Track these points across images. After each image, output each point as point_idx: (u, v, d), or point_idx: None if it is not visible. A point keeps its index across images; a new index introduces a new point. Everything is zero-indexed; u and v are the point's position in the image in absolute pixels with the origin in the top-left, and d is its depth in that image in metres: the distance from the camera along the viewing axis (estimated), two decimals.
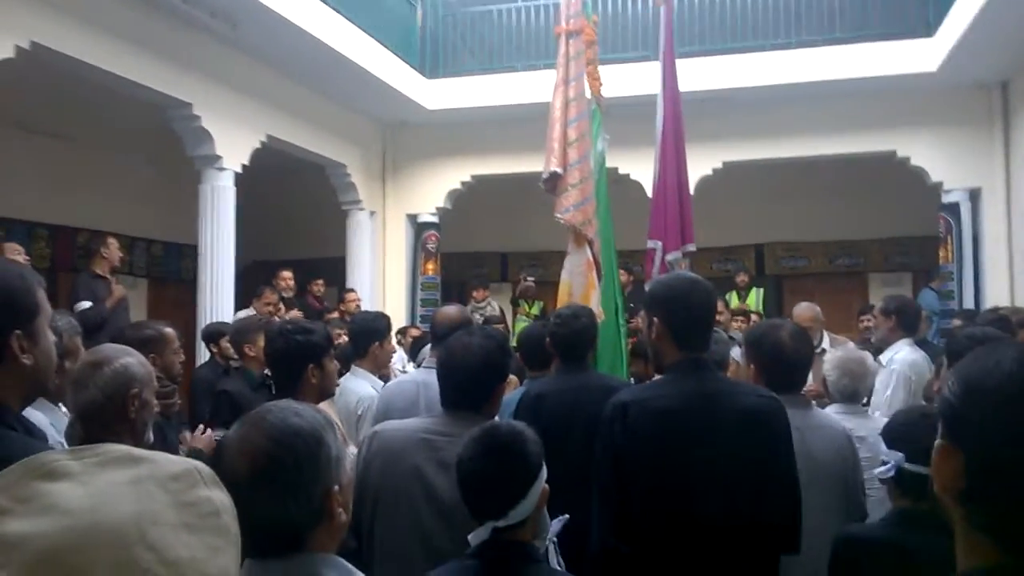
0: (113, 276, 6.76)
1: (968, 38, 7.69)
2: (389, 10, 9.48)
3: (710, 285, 2.46)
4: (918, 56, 8.69)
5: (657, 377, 2.45)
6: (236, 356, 4.84)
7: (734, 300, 10.38)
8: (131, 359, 2.31)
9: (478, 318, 9.34)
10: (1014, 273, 9.00)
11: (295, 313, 8.30)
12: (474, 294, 10.01)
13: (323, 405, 2.88)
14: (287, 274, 8.08)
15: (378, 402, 3.35)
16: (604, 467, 2.24)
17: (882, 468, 2.13)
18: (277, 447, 1.35)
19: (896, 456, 2.09)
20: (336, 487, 1.39)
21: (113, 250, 6.75)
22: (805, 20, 9.21)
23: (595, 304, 4.71)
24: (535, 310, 10.70)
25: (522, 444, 1.95)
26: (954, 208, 9.41)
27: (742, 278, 10.67)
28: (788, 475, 2.27)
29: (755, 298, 10.37)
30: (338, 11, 8.02)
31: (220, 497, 0.80)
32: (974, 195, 9.42)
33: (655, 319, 2.32)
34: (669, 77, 5.67)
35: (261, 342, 4.31)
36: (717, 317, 7.02)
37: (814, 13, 9.18)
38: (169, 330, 3.55)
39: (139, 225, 9.66)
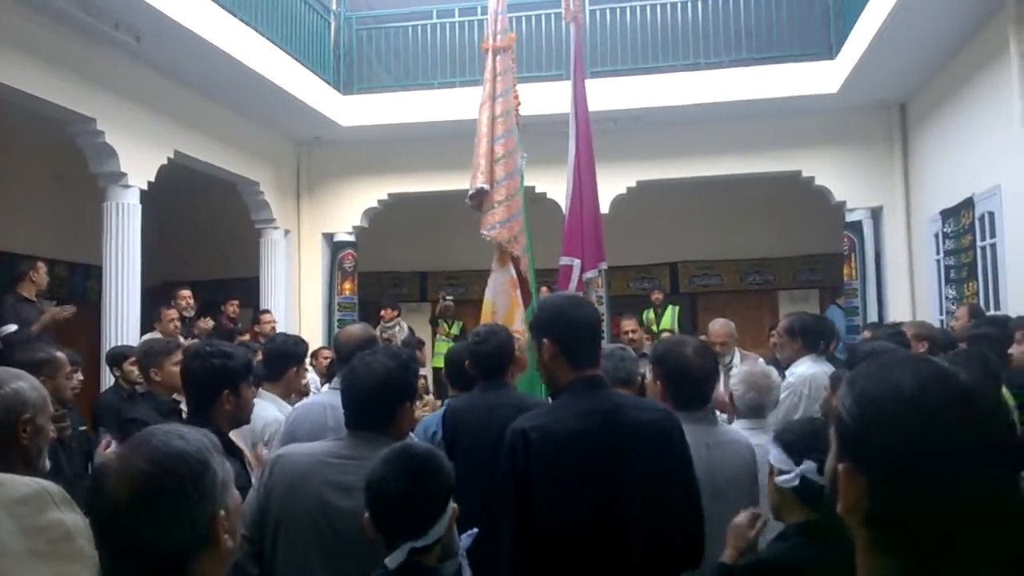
0: (40, 300, 6.67)
1: (867, 60, 8.00)
2: (302, 24, 9.36)
3: (592, 302, 2.52)
4: (820, 78, 9.00)
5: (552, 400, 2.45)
6: (141, 380, 4.68)
7: (650, 318, 10.53)
8: (23, 383, 2.19)
9: (385, 338, 9.24)
10: (915, 289, 9.37)
11: (206, 323, 8.10)
12: (382, 313, 9.88)
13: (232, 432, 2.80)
14: (186, 292, 7.84)
15: (285, 425, 3.26)
16: (506, 494, 2.22)
17: (784, 477, 2.12)
18: (160, 470, 1.29)
19: (807, 467, 2.08)
20: (222, 512, 1.34)
21: (42, 274, 6.71)
22: (713, 41, 9.44)
23: (519, 322, 4.71)
24: (455, 329, 10.65)
25: (438, 463, 2.00)
26: (857, 226, 9.75)
27: (657, 296, 10.84)
28: (688, 489, 2.28)
29: (671, 316, 10.54)
30: (249, 25, 7.89)
31: (73, 520, 0.75)
32: (876, 213, 9.78)
33: (545, 340, 2.32)
34: (580, 96, 5.72)
35: (168, 366, 4.18)
36: (631, 335, 7.16)
37: (721, 35, 9.42)
38: (60, 354, 3.43)
39: (41, 245, 9.26)
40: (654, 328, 10.30)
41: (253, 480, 2.85)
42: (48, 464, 2.24)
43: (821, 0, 9.35)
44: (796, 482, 2.11)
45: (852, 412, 1.02)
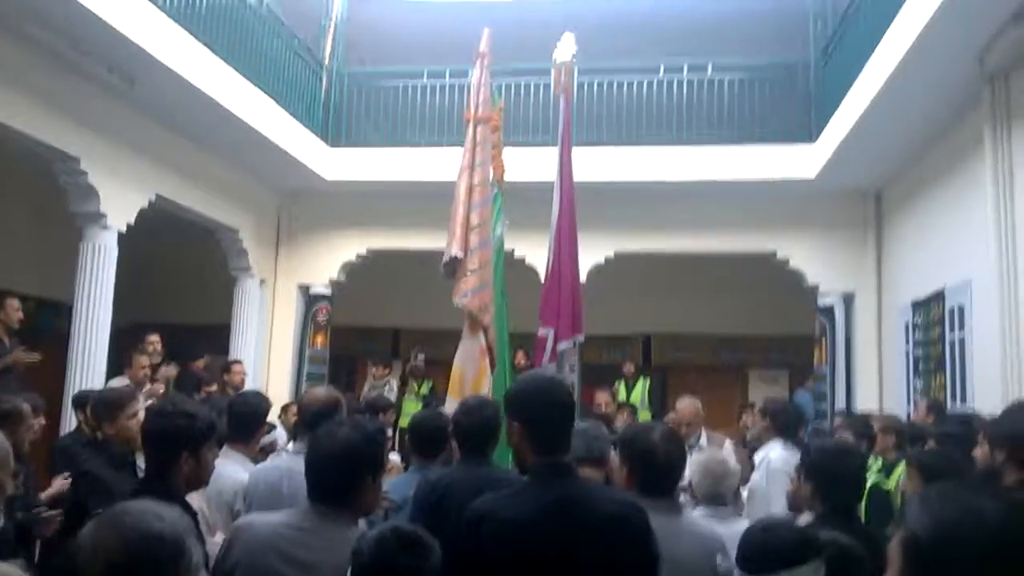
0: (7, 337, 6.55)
1: (846, 148, 8.20)
2: (294, 77, 9.46)
3: (567, 386, 2.45)
4: (799, 162, 9.20)
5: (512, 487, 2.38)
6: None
7: (621, 390, 10.52)
8: None
9: (376, 396, 9.14)
10: (883, 377, 9.44)
11: (169, 371, 7.96)
12: (373, 371, 9.78)
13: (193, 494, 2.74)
14: (154, 338, 7.72)
15: (241, 490, 3.19)
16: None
17: None
18: (136, 553, 1.27)
19: None
20: None
21: (11, 312, 6.61)
22: (696, 120, 9.64)
23: (486, 391, 4.72)
24: (424, 389, 10.57)
25: (431, 544, 1.94)
26: (829, 311, 9.86)
27: (629, 368, 10.83)
28: None
29: (641, 389, 10.53)
30: (240, 74, 7.96)
31: None
32: (848, 299, 9.91)
33: (515, 423, 2.29)
34: (566, 165, 5.80)
35: (122, 419, 4.12)
36: (603, 409, 7.14)
37: (705, 115, 9.63)
38: (26, 406, 3.36)
39: (14, 279, 9.14)
40: (621, 398, 10.29)
41: (206, 537, 2.78)
42: (2, 520, 2.19)
43: (803, 87, 9.61)
44: None
45: (930, 533, 1.03)
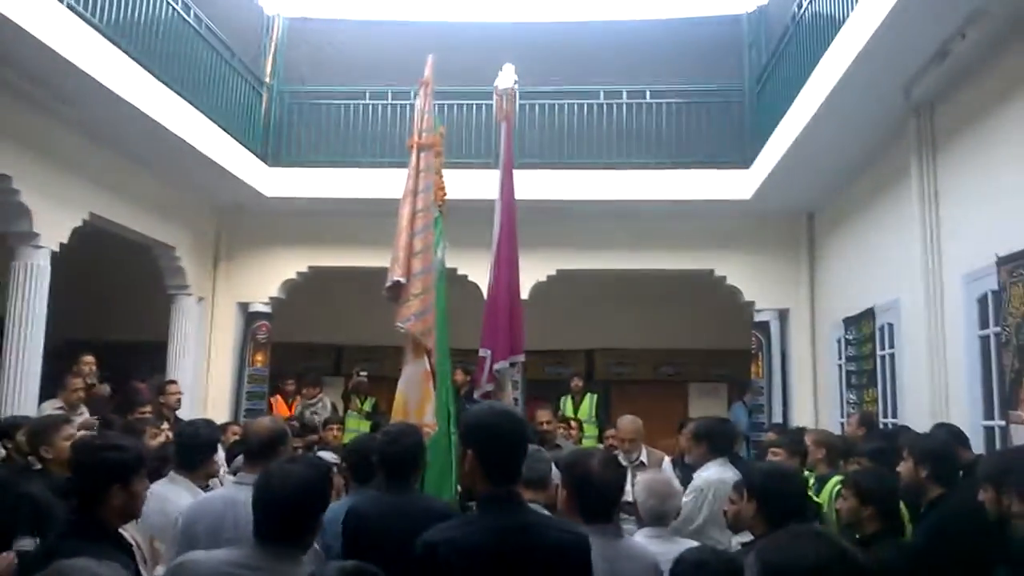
0: None
1: (780, 171, 8.43)
2: (233, 95, 9.38)
3: (522, 418, 2.51)
4: (735, 184, 9.43)
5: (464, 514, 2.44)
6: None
7: (568, 405, 10.59)
8: None
9: (309, 415, 9.07)
10: (818, 391, 9.69)
11: (103, 389, 7.78)
12: (304, 391, 9.69)
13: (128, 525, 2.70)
14: (89, 358, 7.55)
15: (182, 521, 3.11)
16: None
17: None
18: None
19: None
20: None
21: None
22: (637, 143, 9.82)
23: (430, 415, 4.73)
24: (367, 405, 10.48)
25: None
26: (765, 326, 10.11)
27: (577, 383, 10.87)
28: None
29: (588, 405, 10.60)
30: (176, 91, 7.84)
31: None
32: (783, 315, 10.16)
33: (468, 451, 2.34)
34: (507, 191, 5.89)
35: (59, 441, 4.02)
36: (545, 427, 7.18)
37: (644, 138, 9.82)
38: None
39: None
40: (569, 414, 10.37)
41: (146, 572, 2.74)
42: None
43: (739, 113, 9.89)
44: None
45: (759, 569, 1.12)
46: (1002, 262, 5.37)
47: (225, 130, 8.91)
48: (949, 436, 4.23)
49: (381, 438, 3.46)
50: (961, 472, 4.03)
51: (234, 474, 3.99)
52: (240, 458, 3.87)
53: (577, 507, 2.76)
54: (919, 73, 6.16)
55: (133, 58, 7.13)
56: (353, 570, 1.96)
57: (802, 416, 9.41)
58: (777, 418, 9.64)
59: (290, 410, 9.58)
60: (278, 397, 9.65)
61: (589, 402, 10.56)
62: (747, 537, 3.27)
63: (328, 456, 5.34)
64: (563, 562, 2.24)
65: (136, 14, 7.32)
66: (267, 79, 10.39)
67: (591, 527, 2.53)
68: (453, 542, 2.20)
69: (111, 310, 11.35)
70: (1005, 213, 5.47)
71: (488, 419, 2.42)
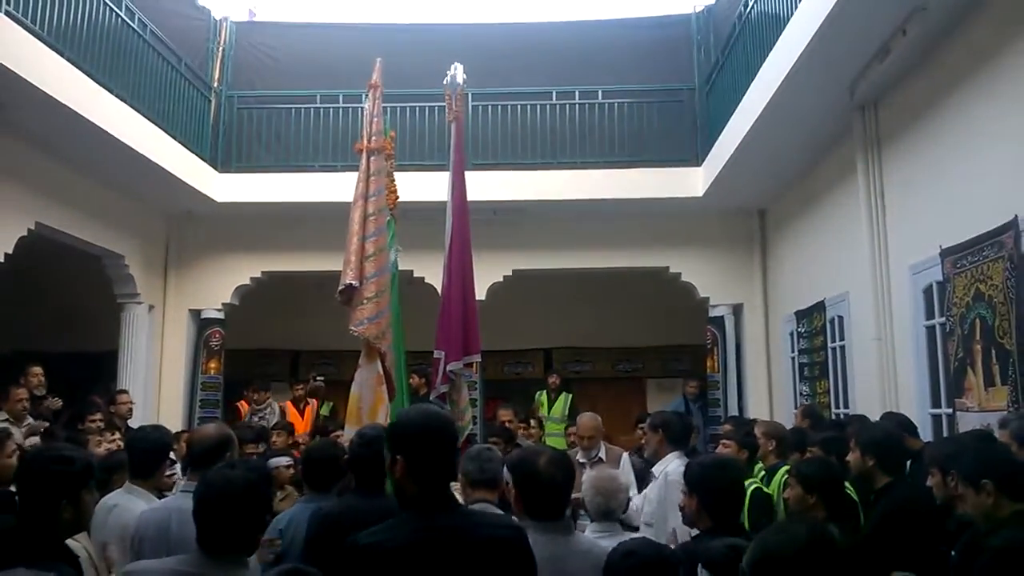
0: None
1: (730, 169, 8.53)
2: (180, 100, 9.24)
3: (448, 418, 2.46)
4: (687, 182, 9.53)
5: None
6: None
7: (544, 402, 10.66)
8: None
9: (257, 421, 8.95)
10: (772, 383, 9.84)
11: (55, 402, 7.62)
12: (254, 396, 9.58)
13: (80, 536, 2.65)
14: (37, 370, 7.39)
15: (132, 530, 3.07)
16: None
17: None
18: None
19: None
20: None
21: None
22: (589, 143, 9.88)
23: (383, 418, 4.72)
24: (325, 410, 10.41)
25: None
26: (719, 322, 10.23)
27: (554, 381, 10.91)
28: None
29: (563, 403, 10.66)
30: (120, 98, 7.71)
31: None
32: (737, 310, 10.29)
33: (397, 457, 2.26)
34: (459, 191, 5.89)
35: (3, 456, 3.93)
36: (507, 424, 7.20)
37: (596, 137, 9.88)
38: None
39: None
40: (544, 411, 10.46)
41: None
42: None
43: (689, 112, 9.98)
44: None
45: (750, 560, 1.33)
46: (946, 253, 5.49)
47: (173, 136, 8.78)
48: (895, 425, 4.33)
49: (356, 440, 3.41)
50: (909, 460, 4.13)
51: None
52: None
53: (526, 505, 2.77)
54: (863, 71, 6.29)
55: (75, 64, 7.00)
56: (291, 571, 1.94)
57: (757, 409, 9.55)
58: (733, 411, 9.76)
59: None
60: (243, 403, 9.52)
61: (563, 401, 10.64)
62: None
63: (281, 461, 5.32)
64: (498, 557, 2.20)
65: (78, 20, 7.18)
66: (215, 84, 10.25)
67: (539, 524, 2.53)
68: (380, 545, 2.14)
69: (59, 320, 11.11)
70: (949, 206, 5.60)
71: (413, 422, 2.35)
